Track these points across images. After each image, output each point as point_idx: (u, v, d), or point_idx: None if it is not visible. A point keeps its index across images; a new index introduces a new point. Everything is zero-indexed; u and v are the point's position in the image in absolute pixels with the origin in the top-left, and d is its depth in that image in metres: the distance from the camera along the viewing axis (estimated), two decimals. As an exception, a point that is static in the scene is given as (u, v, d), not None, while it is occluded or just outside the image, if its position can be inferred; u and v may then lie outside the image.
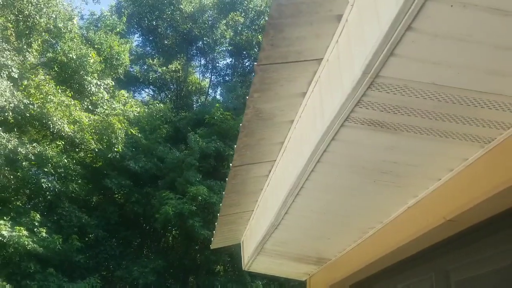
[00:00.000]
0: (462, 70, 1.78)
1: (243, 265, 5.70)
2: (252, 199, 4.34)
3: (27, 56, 16.44)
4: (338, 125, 2.24)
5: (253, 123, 2.87)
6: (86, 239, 17.82)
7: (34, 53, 17.86)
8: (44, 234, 14.19)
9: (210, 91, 28.29)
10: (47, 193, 15.78)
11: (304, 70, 2.44)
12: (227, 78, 27.98)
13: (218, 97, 28.01)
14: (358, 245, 4.04)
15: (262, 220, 4.26)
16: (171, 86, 26.28)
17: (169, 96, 26.52)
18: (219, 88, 28.82)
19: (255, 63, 2.30)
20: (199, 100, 27.89)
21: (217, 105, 19.64)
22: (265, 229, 4.07)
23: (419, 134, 2.23)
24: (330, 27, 2.13)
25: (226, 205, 4.35)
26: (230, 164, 3.53)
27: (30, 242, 13.52)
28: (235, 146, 3.22)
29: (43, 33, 17.65)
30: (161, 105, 20.80)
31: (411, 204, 3.06)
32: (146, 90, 26.62)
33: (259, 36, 26.02)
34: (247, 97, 2.61)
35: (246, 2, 25.77)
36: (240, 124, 2.93)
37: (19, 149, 14.18)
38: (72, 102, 15.83)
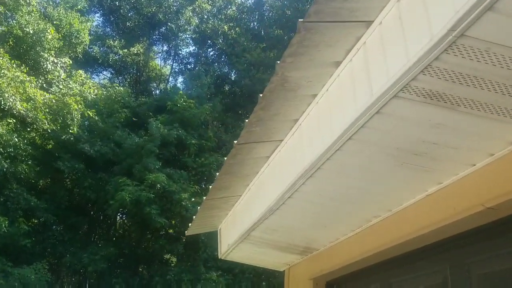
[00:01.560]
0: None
1: (220, 253, 5.40)
2: (244, 182, 4.05)
3: (-22, 27, 15.32)
4: (390, 95, 2.00)
5: (274, 93, 2.59)
6: (34, 223, 16.90)
7: (-13, 25, 16.70)
8: (-11, 216, 13.29)
9: (171, 78, 27.61)
10: (-6, 172, 14.78)
11: (348, 34, 2.19)
12: (189, 67, 27.39)
13: (178, 85, 27.38)
14: (356, 235, 3.85)
15: (253, 205, 3.99)
16: (131, 70, 25.39)
17: (128, 80, 25.62)
18: (180, 76, 28.19)
19: (300, 20, 2.02)
20: (159, 87, 27.14)
21: (180, 92, 19.12)
22: (258, 215, 3.80)
23: (476, 111, 2.03)
24: (394, -17, 1.88)
25: (216, 187, 4.04)
26: (234, 142, 3.23)
27: (-27, 224, 12.61)
28: (246, 121, 2.93)
29: (-2, 4, 16.50)
30: (121, 88, 20.01)
31: (431, 192, 2.88)
32: (104, 72, 25.62)
33: (225, 26, 25.62)
34: (277, 62, 2.33)
35: (214, -11, 25.32)
36: (260, 95, 2.64)
37: (-34, 125, 13.18)
38: (28, 78, 14.86)
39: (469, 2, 1.50)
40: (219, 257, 5.40)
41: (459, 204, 2.60)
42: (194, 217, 4.98)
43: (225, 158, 3.50)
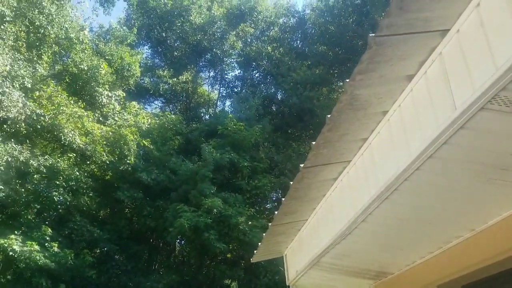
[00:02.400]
0: None
1: (288, 280, 5.25)
2: (310, 206, 3.93)
3: (37, 68, 16.16)
4: (477, 108, 1.84)
5: (343, 114, 2.47)
6: (97, 253, 17.34)
7: (44, 65, 17.61)
8: (55, 249, 13.73)
9: (219, 103, 27.98)
10: (58, 206, 15.35)
11: (421, 46, 2.05)
12: (235, 90, 27.69)
13: (226, 109, 27.69)
14: (435, 257, 3.61)
15: (322, 230, 3.84)
16: (180, 98, 25.95)
17: (179, 107, 26.18)
18: (228, 100, 28.53)
19: (371, 34, 1.90)
20: (208, 112, 27.57)
21: (230, 115, 19.24)
22: (329, 240, 3.65)
23: None
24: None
25: (282, 212, 3.94)
26: (301, 165, 3.12)
27: (42, 257, 13.05)
28: (313, 143, 2.82)
29: (53, 45, 17.41)
30: (173, 116, 20.42)
31: (520, 208, 2.64)
32: (156, 102, 26.29)
33: (268, 47, 25.79)
34: (346, 81, 2.22)
35: (255, 13, 25.55)
36: (327, 117, 2.53)
37: (31, 161, 13.79)
38: (85, 113, 15.49)
39: None
40: (287, 284, 5.24)
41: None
42: (259, 243, 4.87)
43: (291, 183, 3.39)
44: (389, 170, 2.53)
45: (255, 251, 5.20)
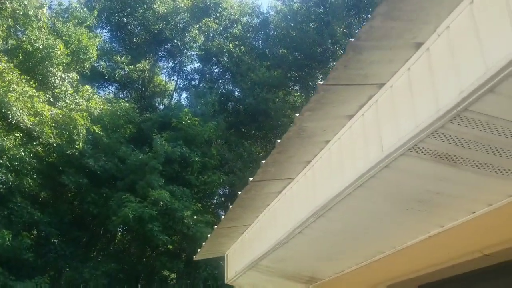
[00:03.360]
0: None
1: (226, 279, 5.57)
2: (254, 214, 4.25)
3: (-12, 41, 15.63)
4: (399, 153, 2.22)
5: (291, 140, 2.81)
6: (35, 235, 16.97)
7: (-3, 39, 17.02)
8: (-7, 230, 13.40)
9: (175, 94, 27.89)
10: (0, 186, 14.92)
11: (361, 93, 2.41)
12: (193, 83, 27.70)
13: (182, 101, 27.64)
14: (360, 268, 4.03)
15: (263, 237, 4.17)
16: (136, 85, 25.64)
17: (133, 95, 25.87)
18: (184, 92, 28.48)
19: (319, 82, 2.24)
20: (163, 102, 27.41)
21: (186, 109, 19.30)
22: (268, 246, 3.98)
23: (476, 169, 2.24)
24: (405, 54, 2.11)
25: (228, 218, 4.24)
26: (250, 179, 3.43)
27: (-22, 237, 12.72)
28: (262, 162, 3.14)
29: (9, 19, 16.84)
30: (126, 104, 20.21)
31: (432, 234, 3.08)
32: (110, 87, 25.85)
33: (230, 45, 25.97)
34: (297, 115, 2.55)
35: (220, 9, 25.68)
36: (277, 141, 2.86)
37: (-26, 138, 13.37)
38: (36, 94, 15.11)
39: (473, 84, 1.72)
40: (226, 282, 5.56)
41: (458, 248, 2.79)
42: (203, 243, 5.16)
43: (239, 193, 3.70)
44: (326, 191, 2.89)
45: (198, 250, 5.48)
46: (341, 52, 21.91)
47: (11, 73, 15.01)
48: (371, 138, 2.41)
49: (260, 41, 27.44)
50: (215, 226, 4.60)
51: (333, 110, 2.51)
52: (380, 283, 3.72)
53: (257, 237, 4.36)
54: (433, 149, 2.14)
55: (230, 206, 3.99)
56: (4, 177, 14.75)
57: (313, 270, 4.49)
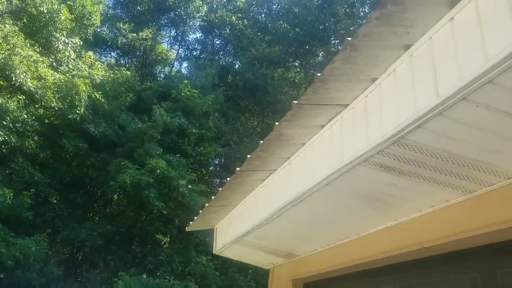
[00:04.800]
0: (468, 145, 2.30)
1: (215, 249, 6.15)
2: (241, 196, 4.79)
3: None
4: (356, 163, 2.72)
5: (272, 142, 3.31)
6: (35, 196, 17.62)
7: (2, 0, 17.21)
8: (-5, 187, 14.00)
9: (176, 63, 28.17)
10: (2, 146, 15.45)
11: (330, 110, 2.90)
12: (194, 53, 27.94)
13: (183, 70, 27.94)
14: (331, 248, 4.61)
15: (248, 216, 4.72)
16: (138, 53, 25.92)
17: (134, 62, 26.17)
18: (185, 62, 28.74)
19: (295, 102, 2.73)
20: (164, 71, 27.70)
21: (185, 81, 19.70)
22: (251, 225, 4.54)
23: (418, 179, 2.76)
24: (363, 86, 2.59)
25: (217, 198, 4.79)
26: (237, 169, 3.96)
27: (-20, 194, 13.32)
28: (248, 156, 3.65)
29: (14, -21, 17.01)
30: (127, 72, 20.58)
31: (390, 225, 3.62)
32: (112, 53, 26.12)
33: (233, 17, 26.10)
34: (276, 123, 3.05)
35: (224, -20, 25.76)
36: (260, 142, 3.36)
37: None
38: (40, 59, 15.46)
39: (406, 120, 2.21)
40: (214, 253, 6.15)
41: (407, 239, 3.34)
42: (195, 217, 5.72)
43: (227, 179, 4.23)
44: (300, 185, 3.41)
45: (190, 222, 6.05)
46: (342, 32, 22.14)
47: (16, 37, 15.30)
48: (336, 147, 2.92)
49: (263, 15, 27.55)
50: (206, 204, 5.14)
51: (306, 121, 3.00)
52: (349, 261, 4.29)
53: (242, 216, 4.92)
54: (382, 163, 2.64)
55: (220, 189, 4.53)
56: (6, 138, 15.25)
57: (291, 247, 5.06)
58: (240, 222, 5.01)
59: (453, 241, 2.92)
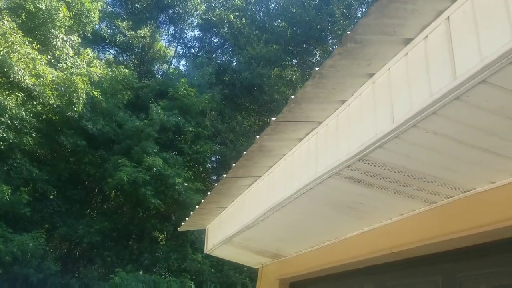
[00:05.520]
0: (425, 163, 2.56)
1: (206, 249, 6.42)
2: (230, 199, 5.05)
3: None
4: (327, 176, 2.98)
5: (254, 153, 3.57)
6: (33, 192, 17.86)
7: (1, -4, 17.40)
8: (-8, 183, 14.22)
9: (174, 61, 28.37)
10: (0, 143, 15.67)
11: (306, 126, 3.15)
12: (192, 51, 28.13)
13: (181, 67, 28.14)
14: (313, 250, 4.88)
15: (236, 219, 4.98)
16: (136, 50, 26.12)
17: (132, 59, 26.37)
18: (183, 59, 28.94)
19: (273, 118, 2.99)
20: (162, 68, 27.90)
21: (183, 80, 19.93)
22: (239, 227, 4.80)
23: (384, 191, 3.01)
24: (334, 107, 2.85)
25: (207, 201, 5.04)
26: (224, 176, 4.21)
27: (-22, 191, 13.54)
28: (233, 164, 3.91)
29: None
30: (126, 70, 20.79)
31: (365, 230, 3.88)
32: (110, 50, 26.31)
33: (231, 15, 26.29)
34: (257, 136, 3.30)
35: (223, -21, 25.92)
36: (244, 152, 3.61)
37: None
38: (39, 57, 15.66)
39: (368, 141, 2.47)
40: (205, 252, 6.41)
41: (380, 244, 3.60)
42: (187, 218, 5.98)
43: (216, 184, 4.48)
44: (281, 193, 3.67)
45: (182, 223, 6.32)
46: (339, 32, 22.36)
47: (15, 34, 15.48)
48: (311, 160, 3.17)
49: (261, 14, 27.72)
50: (197, 206, 5.40)
51: (286, 135, 3.25)
52: (331, 263, 4.56)
53: (231, 218, 5.18)
54: (351, 176, 2.90)
55: (209, 193, 4.79)
56: (4, 135, 15.47)
57: (277, 248, 5.33)
58: (229, 223, 5.27)
59: (419, 246, 3.19)
